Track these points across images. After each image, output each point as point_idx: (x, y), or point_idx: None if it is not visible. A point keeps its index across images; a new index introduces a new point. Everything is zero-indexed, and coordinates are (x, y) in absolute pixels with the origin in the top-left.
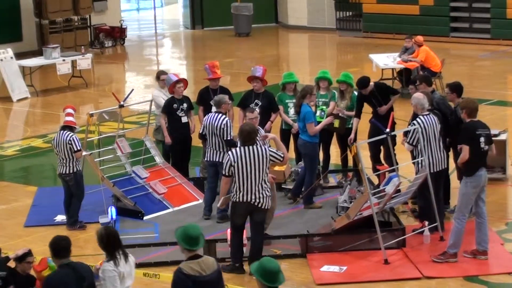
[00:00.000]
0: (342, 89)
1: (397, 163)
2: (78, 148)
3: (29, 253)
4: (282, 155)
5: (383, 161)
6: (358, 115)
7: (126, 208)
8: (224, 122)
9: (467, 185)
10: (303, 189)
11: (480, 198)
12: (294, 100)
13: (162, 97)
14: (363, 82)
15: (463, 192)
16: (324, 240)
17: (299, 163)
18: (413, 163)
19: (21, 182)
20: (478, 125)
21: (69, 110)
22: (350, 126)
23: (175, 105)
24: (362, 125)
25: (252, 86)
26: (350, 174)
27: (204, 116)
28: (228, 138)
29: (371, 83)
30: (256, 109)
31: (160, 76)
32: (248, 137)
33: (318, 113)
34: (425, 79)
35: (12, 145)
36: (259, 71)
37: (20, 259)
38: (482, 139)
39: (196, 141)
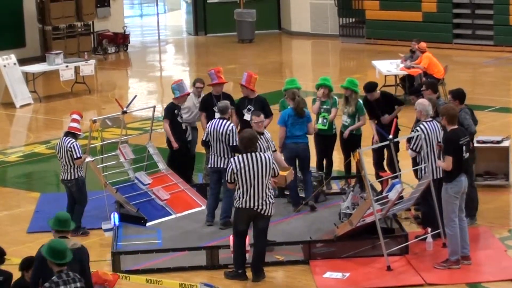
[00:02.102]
0: (346, 95)
1: (399, 170)
2: (78, 155)
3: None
4: (278, 173)
5: (386, 168)
6: (372, 117)
7: (129, 214)
8: (230, 128)
9: (448, 191)
10: (306, 193)
11: (453, 212)
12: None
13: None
14: (370, 86)
15: (445, 199)
16: (327, 247)
17: None
18: (414, 170)
19: (24, 188)
20: (460, 135)
21: (75, 116)
22: (354, 132)
23: (176, 111)
24: (366, 131)
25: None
26: (353, 180)
27: (207, 122)
28: (234, 144)
29: (378, 91)
30: (248, 113)
31: (196, 83)
32: (248, 143)
33: (320, 120)
34: (432, 86)
35: (15, 151)
36: (243, 78)
37: (27, 267)
38: (464, 148)
39: (198, 148)
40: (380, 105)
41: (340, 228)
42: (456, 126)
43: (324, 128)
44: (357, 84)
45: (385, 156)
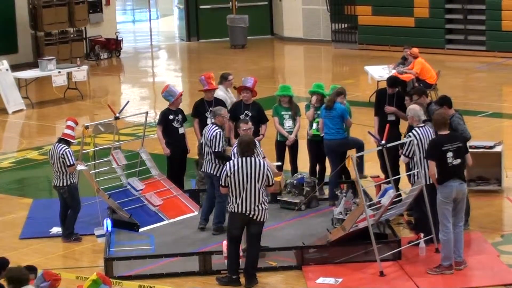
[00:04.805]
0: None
1: (399, 174)
2: (71, 162)
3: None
4: (273, 182)
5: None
6: (379, 113)
7: (122, 220)
8: (214, 133)
9: (438, 196)
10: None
11: (444, 217)
12: (289, 112)
13: (228, 98)
14: (394, 81)
15: (437, 203)
16: (319, 252)
17: (295, 174)
18: (407, 175)
19: (16, 194)
20: (444, 140)
21: (69, 123)
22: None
23: (171, 116)
24: (361, 135)
25: (241, 96)
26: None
27: (200, 128)
28: (216, 150)
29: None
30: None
31: (228, 76)
32: (246, 147)
33: (314, 125)
34: (421, 92)
35: (8, 157)
36: (250, 82)
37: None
38: (449, 154)
39: (193, 153)
40: (393, 101)
41: (333, 234)
42: (445, 132)
43: (318, 134)
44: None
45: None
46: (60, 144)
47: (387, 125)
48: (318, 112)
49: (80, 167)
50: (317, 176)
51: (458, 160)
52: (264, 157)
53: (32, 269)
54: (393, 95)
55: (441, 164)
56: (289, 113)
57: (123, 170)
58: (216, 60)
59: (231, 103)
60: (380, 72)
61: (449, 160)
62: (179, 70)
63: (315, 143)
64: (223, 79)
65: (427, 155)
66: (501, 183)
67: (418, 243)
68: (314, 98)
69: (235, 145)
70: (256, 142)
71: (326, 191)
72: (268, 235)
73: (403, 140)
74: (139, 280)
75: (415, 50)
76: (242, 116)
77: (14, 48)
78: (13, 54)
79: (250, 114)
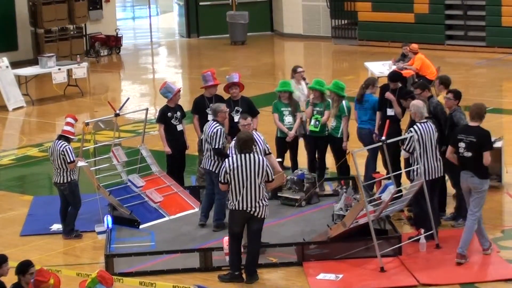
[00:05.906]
0: (330, 98)
1: (400, 169)
2: (72, 159)
3: (30, 264)
4: (274, 178)
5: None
6: (380, 109)
7: (122, 217)
8: (215, 130)
9: None
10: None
11: (469, 205)
12: (289, 108)
13: (297, 90)
14: (396, 76)
15: None
16: (320, 248)
17: (295, 171)
18: (406, 171)
19: (17, 191)
20: (463, 130)
21: (69, 120)
22: (339, 136)
23: (169, 114)
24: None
25: (230, 93)
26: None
27: (200, 124)
28: (215, 147)
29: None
30: (237, 115)
31: (297, 69)
32: (245, 144)
33: (312, 122)
34: (425, 87)
35: (8, 154)
36: (236, 77)
37: (23, 271)
38: (461, 145)
39: (192, 150)
40: (395, 96)
41: (334, 230)
42: (474, 124)
43: (315, 130)
44: (343, 87)
45: (397, 155)
46: (60, 141)
47: (387, 121)
48: (317, 108)
49: (80, 163)
50: (317, 172)
51: (469, 154)
52: (270, 153)
53: (27, 264)
54: (395, 90)
55: (456, 152)
56: (289, 109)
57: (124, 167)
58: (216, 57)
59: (301, 96)
60: (380, 68)
61: (460, 150)
62: (179, 66)
63: (313, 139)
64: (293, 72)
65: (448, 139)
66: (501, 179)
67: (419, 239)
68: (311, 96)
69: (233, 141)
70: (261, 137)
71: (327, 187)
72: (268, 231)
73: (404, 135)
74: (140, 277)
75: (415, 45)
76: (233, 113)
77: (14, 45)
78: (13, 51)
79: (240, 110)
